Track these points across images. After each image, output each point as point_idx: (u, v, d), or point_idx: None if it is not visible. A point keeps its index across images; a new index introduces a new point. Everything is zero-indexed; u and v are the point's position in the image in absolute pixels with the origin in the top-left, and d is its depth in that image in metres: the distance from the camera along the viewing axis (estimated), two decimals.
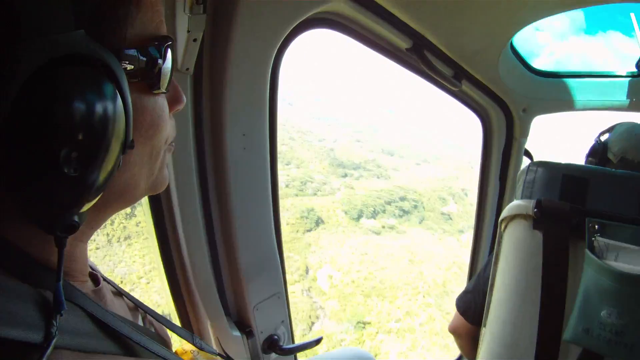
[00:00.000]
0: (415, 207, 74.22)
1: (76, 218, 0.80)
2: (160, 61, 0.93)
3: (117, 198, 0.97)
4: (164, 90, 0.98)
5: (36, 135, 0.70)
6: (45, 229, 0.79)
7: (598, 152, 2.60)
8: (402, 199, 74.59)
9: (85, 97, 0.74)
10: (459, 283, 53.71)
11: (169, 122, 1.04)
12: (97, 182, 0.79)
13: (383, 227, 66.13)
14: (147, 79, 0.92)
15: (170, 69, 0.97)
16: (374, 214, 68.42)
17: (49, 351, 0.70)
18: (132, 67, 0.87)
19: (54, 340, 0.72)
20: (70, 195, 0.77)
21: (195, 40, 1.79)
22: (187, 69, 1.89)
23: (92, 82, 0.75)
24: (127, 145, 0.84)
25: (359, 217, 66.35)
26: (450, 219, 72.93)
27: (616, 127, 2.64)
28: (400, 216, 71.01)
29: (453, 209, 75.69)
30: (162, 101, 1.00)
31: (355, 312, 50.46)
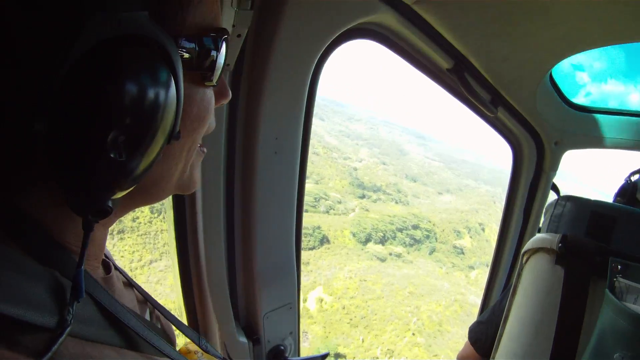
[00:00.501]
0: (428, 237, 73.25)
1: (110, 203, 0.81)
2: (214, 53, 0.94)
3: (148, 189, 0.97)
4: (214, 84, 0.99)
5: (87, 112, 0.71)
6: (78, 210, 0.80)
7: (627, 192, 2.59)
8: (415, 227, 73.42)
9: (141, 80, 0.74)
10: (457, 323, 53.77)
11: (212, 114, 1.06)
12: (138, 170, 0.80)
13: (390, 254, 65.06)
14: (201, 69, 0.94)
15: (222, 63, 1.00)
16: (383, 240, 67.45)
17: (62, 338, 0.71)
18: (188, 55, 0.89)
19: (69, 329, 0.74)
20: (110, 179, 0.77)
21: (239, 36, 1.82)
22: (228, 65, 1.91)
23: (149, 66, 0.76)
24: (173, 136, 0.86)
25: (367, 241, 65.51)
26: (463, 253, 71.69)
27: None
28: (411, 245, 69.77)
29: (467, 243, 74.12)
30: (210, 94, 1.01)
31: (336, 341, 49.34)
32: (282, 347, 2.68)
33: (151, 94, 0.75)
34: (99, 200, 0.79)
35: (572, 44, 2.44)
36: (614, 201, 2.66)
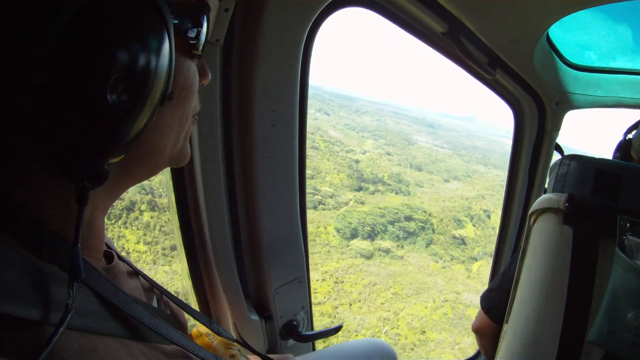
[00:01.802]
0: (423, 228, 70.47)
1: (106, 166, 0.81)
2: (200, 21, 1.00)
3: (142, 160, 0.98)
4: (199, 53, 1.03)
5: (84, 61, 0.71)
6: (73, 176, 0.80)
7: (622, 148, 2.57)
8: (408, 218, 70.66)
9: (139, 33, 0.76)
10: (445, 328, 49.39)
11: (197, 92, 1.08)
12: (133, 128, 0.81)
13: (377, 249, 61.97)
14: (187, 37, 0.97)
15: (205, 37, 1.04)
16: (372, 235, 64.62)
17: (62, 329, 0.70)
18: (177, 22, 0.92)
19: (70, 315, 0.73)
20: (108, 133, 0.78)
21: (226, 10, 1.80)
22: (217, 40, 1.89)
23: (147, 20, 0.78)
24: (165, 96, 0.88)
25: (353, 236, 62.68)
26: (464, 243, 68.97)
27: None
28: (405, 238, 67.00)
29: (469, 232, 71.68)
30: (194, 68, 1.04)
31: None
32: (295, 322, 2.68)
33: (148, 47, 0.78)
34: (95, 160, 0.79)
35: (569, 3, 2.39)
36: (613, 157, 2.64)
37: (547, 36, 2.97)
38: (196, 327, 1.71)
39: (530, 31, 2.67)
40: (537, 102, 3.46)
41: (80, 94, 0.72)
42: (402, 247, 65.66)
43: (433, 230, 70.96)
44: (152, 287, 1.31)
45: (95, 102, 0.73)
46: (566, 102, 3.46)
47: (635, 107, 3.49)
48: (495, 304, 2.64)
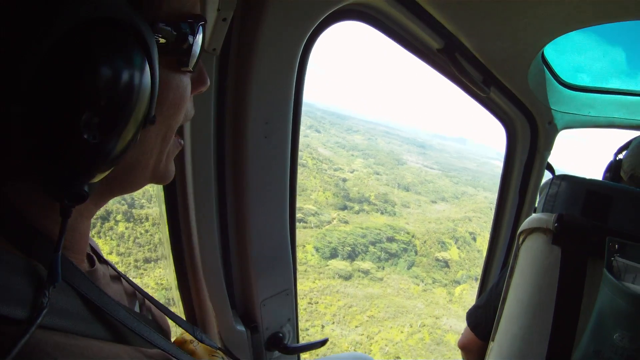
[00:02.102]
0: (405, 250, 68.81)
1: (86, 188, 0.81)
2: (191, 39, 0.96)
3: (125, 176, 0.98)
4: (191, 69, 1.01)
5: (61, 93, 0.71)
6: (54, 195, 0.80)
7: (612, 169, 2.58)
8: (390, 239, 69.15)
9: (115, 62, 0.75)
10: (422, 354, 48.15)
11: (189, 102, 1.07)
12: (113, 153, 0.80)
13: (356, 270, 60.69)
14: (176, 55, 0.96)
15: (199, 49, 1.02)
16: (352, 255, 63.11)
17: (33, 329, 0.70)
18: (164, 41, 0.90)
19: (43, 313, 0.73)
20: (85, 161, 0.78)
21: (224, 19, 1.79)
22: (214, 50, 1.89)
23: (124, 49, 0.77)
24: (148, 120, 0.87)
25: (332, 256, 61.16)
26: (447, 266, 67.46)
27: (632, 143, 2.60)
28: (386, 259, 65.34)
29: (453, 255, 70.05)
30: (186, 81, 1.03)
31: None
32: (281, 335, 2.66)
33: (125, 76, 0.76)
34: (74, 183, 0.79)
35: (564, 23, 2.41)
36: (603, 178, 2.66)
37: (542, 55, 2.99)
38: (181, 333, 1.71)
39: (526, 49, 2.69)
40: (530, 120, 3.48)
41: (57, 126, 0.73)
42: (383, 268, 64.47)
43: (416, 252, 69.92)
44: (135, 291, 1.31)
45: (70, 133, 0.73)
46: (559, 122, 3.48)
47: (628, 127, 3.52)
48: (482, 320, 2.64)
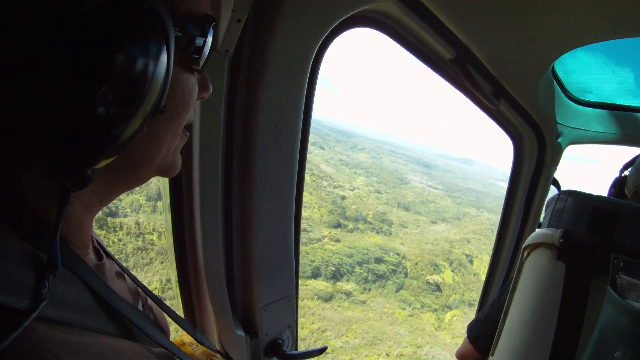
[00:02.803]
0: (394, 272, 66.31)
1: (89, 172, 0.81)
2: (203, 39, 1.00)
3: (130, 169, 0.99)
4: (200, 68, 1.04)
5: (82, 63, 0.73)
6: (57, 176, 0.81)
7: (617, 185, 2.58)
8: (379, 260, 66.79)
9: (138, 43, 0.77)
10: None
11: (193, 105, 1.08)
12: (122, 136, 0.81)
13: (338, 291, 58.08)
14: (189, 52, 0.98)
15: (209, 51, 1.04)
16: (336, 275, 60.84)
17: (27, 322, 0.69)
18: (179, 35, 0.92)
19: (42, 304, 0.72)
20: (95, 138, 0.79)
21: (238, 21, 1.79)
22: (227, 51, 1.89)
23: (148, 32, 0.79)
24: (158, 109, 0.88)
25: (314, 276, 59.12)
26: (439, 290, 64.93)
27: (637, 160, 2.59)
28: (374, 281, 62.89)
29: (446, 278, 67.57)
30: (194, 81, 1.04)
31: None
32: (280, 341, 2.65)
33: (144, 58, 0.79)
34: (80, 163, 0.80)
35: (575, 37, 2.42)
36: (608, 194, 2.66)
37: (553, 69, 3.00)
38: (180, 336, 1.71)
39: (537, 63, 2.69)
40: (538, 134, 3.49)
41: (70, 99, 0.74)
42: (369, 290, 62.44)
43: (406, 274, 67.85)
44: (138, 290, 1.31)
45: (84, 109, 0.75)
46: (567, 137, 3.49)
47: (636, 144, 3.51)
48: (482, 334, 2.64)
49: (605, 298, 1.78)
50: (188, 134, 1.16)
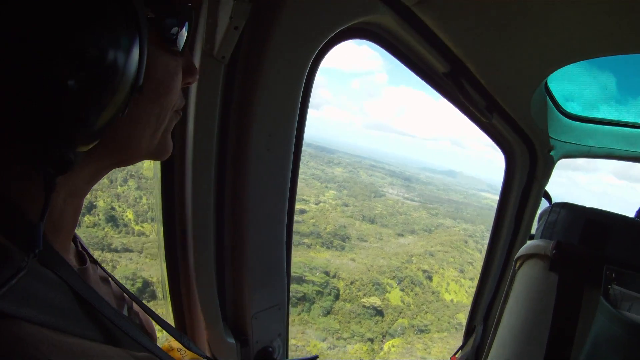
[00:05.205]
0: (321, 293, 60.33)
1: (71, 155, 0.82)
2: (175, 19, 1.01)
3: (117, 151, 1.00)
4: (178, 49, 1.05)
5: (49, 50, 0.73)
6: (38, 162, 0.81)
7: None
8: (299, 280, 60.18)
9: (104, 22, 0.78)
10: None
11: (179, 89, 1.09)
12: (99, 119, 0.83)
13: None
14: (164, 32, 1.00)
15: (187, 32, 1.07)
16: None
17: (13, 281, 0.72)
18: (153, 16, 0.94)
19: (21, 274, 0.74)
20: (72, 120, 0.79)
21: (236, 28, 1.80)
22: (223, 57, 1.90)
23: (115, 12, 0.80)
24: (136, 88, 0.88)
25: None
26: (379, 314, 58.39)
27: None
28: (294, 305, 54.69)
29: (392, 299, 61.35)
30: (175, 65, 1.05)
31: None
32: (271, 349, 2.64)
33: (113, 38, 0.80)
34: (59, 146, 0.80)
35: (569, 53, 2.45)
36: (635, 217, 2.67)
37: (546, 84, 3.03)
38: (168, 341, 1.71)
39: (530, 78, 2.72)
40: (530, 148, 3.53)
41: (41, 79, 0.74)
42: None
43: (337, 296, 61.94)
44: (123, 295, 1.31)
45: (55, 88, 0.75)
46: (558, 150, 3.52)
47: (627, 159, 3.55)
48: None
49: (598, 308, 1.80)
50: (180, 113, 1.18)
